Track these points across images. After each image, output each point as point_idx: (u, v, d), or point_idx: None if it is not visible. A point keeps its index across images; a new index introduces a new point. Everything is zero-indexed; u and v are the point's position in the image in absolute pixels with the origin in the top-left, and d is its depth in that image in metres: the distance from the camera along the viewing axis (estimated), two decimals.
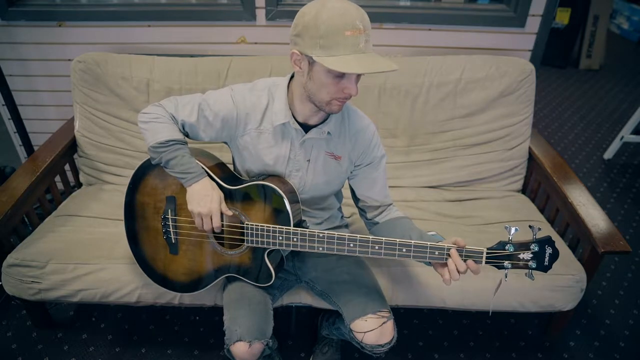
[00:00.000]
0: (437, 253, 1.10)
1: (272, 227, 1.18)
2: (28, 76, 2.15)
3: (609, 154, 3.02)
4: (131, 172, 1.30)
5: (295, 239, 1.18)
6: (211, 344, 1.75)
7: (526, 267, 1.09)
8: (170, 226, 1.29)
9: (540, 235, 1.07)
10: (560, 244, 1.62)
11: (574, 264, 1.52)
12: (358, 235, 1.14)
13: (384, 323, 1.24)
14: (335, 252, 1.17)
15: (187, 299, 1.50)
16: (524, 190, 1.96)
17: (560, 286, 1.48)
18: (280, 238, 1.18)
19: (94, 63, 1.82)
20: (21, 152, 2.34)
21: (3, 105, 2.13)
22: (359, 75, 1.08)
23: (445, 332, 1.82)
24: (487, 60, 1.85)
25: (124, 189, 1.83)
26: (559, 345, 1.77)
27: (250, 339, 1.19)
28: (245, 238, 1.22)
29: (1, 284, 1.53)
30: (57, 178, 1.82)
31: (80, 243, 1.56)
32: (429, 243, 1.10)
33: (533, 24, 1.95)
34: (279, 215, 1.19)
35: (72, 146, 1.89)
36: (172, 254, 1.33)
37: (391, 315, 1.28)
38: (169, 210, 1.28)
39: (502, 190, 1.92)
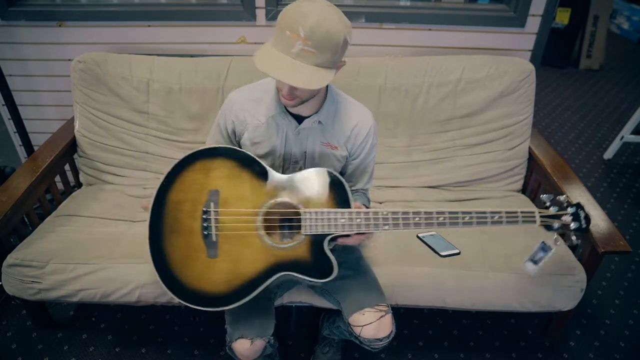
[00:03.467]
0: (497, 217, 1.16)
1: (334, 210, 1.13)
2: (28, 76, 2.15)
3: (609, 154, 3.02)
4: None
5: (358, 220, 1.13)
6: (211, 344, 1.74)
7: (568, 228, 1.19)
8: (212, 220, 1.17)
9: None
10: (560, 244, 1.61)
11: (574, 264, 1.52)
12: (422, 209, 1.13)
13: (381, 317, 1.24)
14: (401, 229, 1.14)
15: None
16: (524, 190, 1.96)
17: (560, 286, 1.48)
18: (343, 220, 1.13)
19: (94, 63, 1.82)
20: (21, 152, 2.34)
21: (3, 105, 2.13)
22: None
23: (445, 332, 1.81)
24: (487, 60, 1.85)
25: (124, 189, 1.86)
26: (559, 345, 1.77)
27: (252, 337, 1.19)
28: (302, 225, 1.15)
29: (1, 284, 1.53)
30: (57, 178, 1.83)
31: (80, 243, 1.56)
32: (488, 209, 1.15)
33: (533, 24, 1.95)
34: (336, 198, 1.16)
35: (72, 146, 1.89)
36: (210, 258, 1.16)
37: (389, 309, 1.28)
38: (212, 204, 1.17)
39: (502, 190, 1.92)
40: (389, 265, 1.51)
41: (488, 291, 1.50)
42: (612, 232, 1.47)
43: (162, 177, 1.19)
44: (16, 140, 2.31)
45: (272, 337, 1.25)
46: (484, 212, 1.15)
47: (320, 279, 1.16)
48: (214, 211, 1.17)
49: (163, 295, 1.48)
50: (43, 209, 1.76)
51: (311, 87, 1.00)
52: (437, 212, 1.14)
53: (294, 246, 1.16)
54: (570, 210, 1.19)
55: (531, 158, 1.90)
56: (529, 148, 1.90)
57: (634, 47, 5.19)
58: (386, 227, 1.14)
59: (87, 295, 1.50)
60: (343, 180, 1.16)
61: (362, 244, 1.53)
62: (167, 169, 1.19)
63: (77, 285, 1.48)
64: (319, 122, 1.23)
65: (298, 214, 1.16)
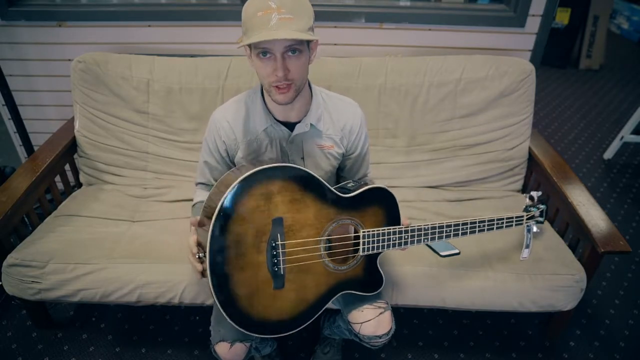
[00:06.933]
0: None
1: (387, 230, 1.18)
2: (28, 76, 2.15)
3: (609, 154, 3.02)
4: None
5: (406, 237, 1.21)
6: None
7: (537, 222, 1.43)
8: (280, 254, 1.11)
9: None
10: (560, 244, 1.62)
11: (574, 264, 1.52)
12: (452, 221, 1.25)
13: (380, 313, 1.25)
14: (436, 242, 1.28)
15: (187, 298, 1.50)
16: (524, 191, 1.96)
17: (560, 286, 1.48)
18: (394, 239, 1.20)
19: (94, 63, 1.82)
20: (21, 152, 2.34)
21: (3, 105, 2.13)
22: (285, 57, 1.04)
23: (445, 332, 1.81)
24: (487, 60, 1.85)
25: (124, 189, 1.86)
26: (559, 345, 1.77)
27: (232, 340, 1.19)
28: (361, 247, 1.18)
29: (1, 284, 1.53)
30: (57, 178, 1.83)
31: (80, 243, 1.56)
32: (495, 217, 1.33)
33: (533, 24, 1.95)
34: (388, 215, 1.20)
35: (72, 146, 1.89)
36: (276, 289, 1.12)
37: (388, 306, 1.28)
38: (278, 235, 1.09)
39: (502, 190, 1.92)
40: (389, 265, 1.51)
41: (488, 291, 1.50)
42: (612, 232, 1.47)
43: (217, 208, 1.02)
44: (16, 140, 2.31)
45: (254, 341, 1.24)
46: (492, 220, 1.32)
47: (373, 292, 1.25)
48: (281, 244, 1.10)
49: (163, 295, 1.49)
50: (43, 209, 1.76)
51: (303, 37, 0.99)
52: (463, 223, 1.28)
53: (352, 266, 1.21)
54: (541, 207, 1.43)
55: (531, 158, 1.90)
56: (529, 148, 1.90)
57: (634, 47, 5.19)
58: (425, 240, 1.23)
59: (87, 295, 1.50)
60: (394, 195, 1.19)
61: None
62: (220, 198, 1.03)
63: (77, 285, 1.48)
64: (311, 124, 1.22)
65: (357, 236, 1.19)
